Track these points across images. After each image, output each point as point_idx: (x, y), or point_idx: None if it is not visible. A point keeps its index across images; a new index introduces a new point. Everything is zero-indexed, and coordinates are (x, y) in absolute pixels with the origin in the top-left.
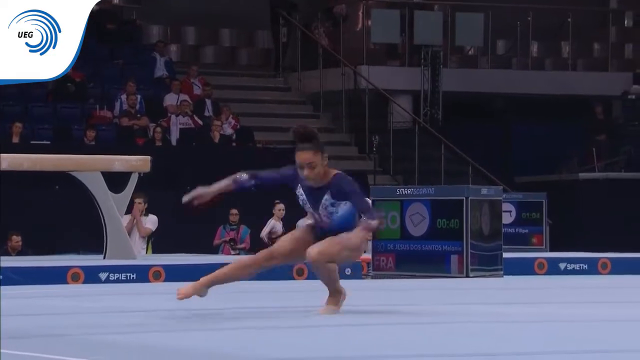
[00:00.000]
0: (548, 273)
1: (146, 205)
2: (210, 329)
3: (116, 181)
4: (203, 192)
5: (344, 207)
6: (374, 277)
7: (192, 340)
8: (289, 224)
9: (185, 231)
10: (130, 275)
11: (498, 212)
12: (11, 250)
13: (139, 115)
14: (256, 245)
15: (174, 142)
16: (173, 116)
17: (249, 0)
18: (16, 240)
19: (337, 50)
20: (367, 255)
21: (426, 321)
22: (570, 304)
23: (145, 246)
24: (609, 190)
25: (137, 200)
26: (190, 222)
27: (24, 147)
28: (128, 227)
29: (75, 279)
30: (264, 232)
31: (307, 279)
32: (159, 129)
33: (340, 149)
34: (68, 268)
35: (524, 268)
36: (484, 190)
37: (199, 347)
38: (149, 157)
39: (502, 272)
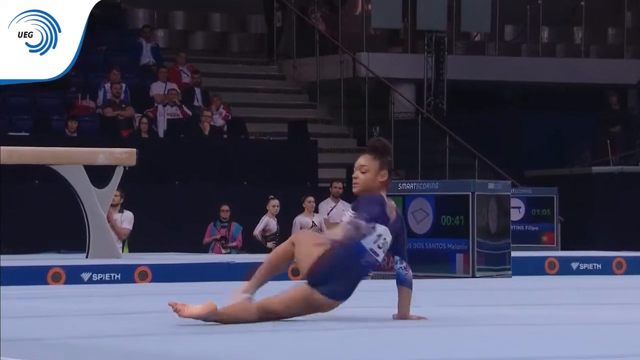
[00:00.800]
0: (559, 273)
1: (122, 200)
2: (201, 333)
3: (99, 175)
4: None
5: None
6: (374, 277)
7: (183, 345)
8: (283, 221)
9: (172, 229)
10: (114, 276)
11: (506, 209)
12: None
13: (123, 105)
14: (249, 243)
15: (161, 134)
16: (160, 106)
17: None
18: None
19: (335, 36)
20: None
21: (430, 324)
22: (583, 305)
23: (120, 245)
24: (624, 184)
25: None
26: (179, 219)
27: (1, 139)
28: None
29: (56, 279)
30: (257, 230)
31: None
32: (145, 120)
33: (338, 142)
34: (48, 268)
35: (534, 268)
36: (491, 185)
37: (190, 352)
38: (135, 149)
39: (510, 272)
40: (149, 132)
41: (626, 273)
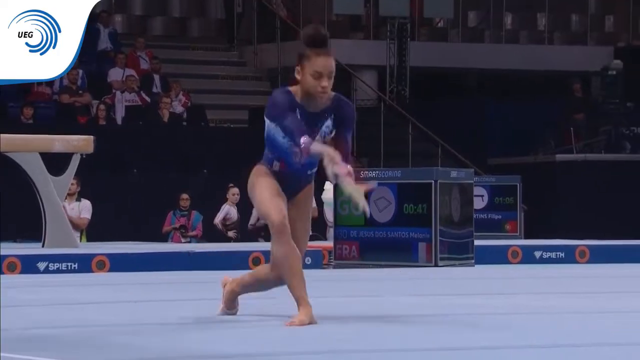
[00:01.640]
0: (522, 262)
1: (79, 188)
2: (164, 323)
3: (56, 163)
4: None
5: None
6: (336, 266)
7: (144, 336)
8: (244, 209)
9: (131, 218)
10: (71, 265)
11: (469, 197)
12: None
13: (80, 92)
14: (209, 232)
15: (119, 121)
16: (118, 92)
17: None
18: None
19: (297, 21)
20: (329, 243)
21: (391, 314)
22: (544, 294)
23: (78, 234)
24: (587, 172)
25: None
26: (137, 208)
27: None
28: None
29: (12, 269)
30: (218, 219)
31: None
32: (102, 107)
33: None
34: (4, 257)
35: (497, 256)
36: (454, 173)
37: (152, 342)
38: (92, 137)
39: (473, 261)
40: (107, 119)
41: (589, 262)
